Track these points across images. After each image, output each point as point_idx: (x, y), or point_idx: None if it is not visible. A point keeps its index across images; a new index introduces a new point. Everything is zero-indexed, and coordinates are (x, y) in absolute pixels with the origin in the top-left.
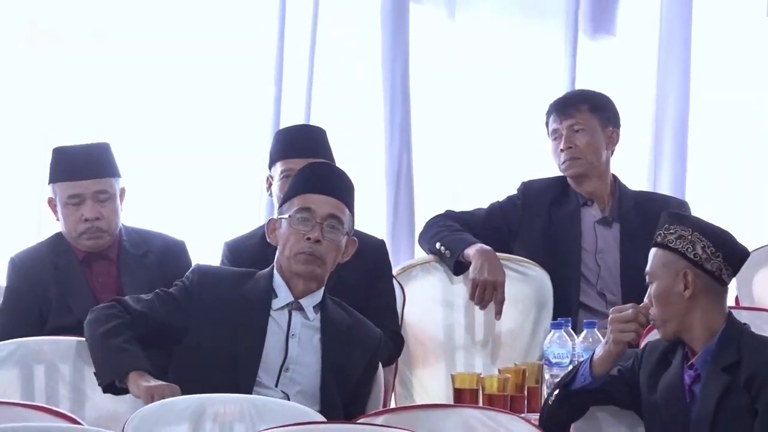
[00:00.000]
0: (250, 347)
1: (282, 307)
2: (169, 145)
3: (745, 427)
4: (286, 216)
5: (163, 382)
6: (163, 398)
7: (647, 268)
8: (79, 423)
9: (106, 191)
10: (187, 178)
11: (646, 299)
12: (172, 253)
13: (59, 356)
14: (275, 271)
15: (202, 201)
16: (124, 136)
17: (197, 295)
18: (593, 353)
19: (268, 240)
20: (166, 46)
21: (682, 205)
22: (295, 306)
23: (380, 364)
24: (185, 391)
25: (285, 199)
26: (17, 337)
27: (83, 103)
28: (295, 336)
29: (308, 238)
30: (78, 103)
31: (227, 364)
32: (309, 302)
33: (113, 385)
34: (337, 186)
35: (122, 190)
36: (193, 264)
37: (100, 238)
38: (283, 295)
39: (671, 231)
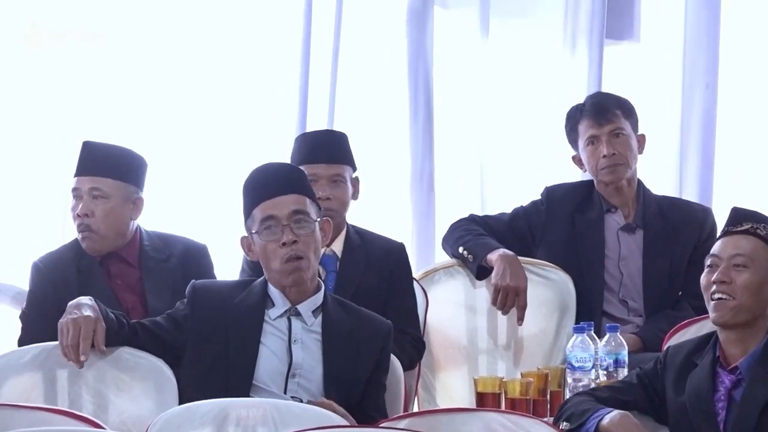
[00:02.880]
0: (243, 356)
1: (280, 315)
2: (166, 140)
3: None
4: (254, 232)
5: (80, 314)
6: (69, 332)
7: (742, 251)
8: (101, 427)
9: (100, 189)
10: (209, 182)
11: (721, 276)
12: (193, 257)
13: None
14: (268, 282)
15: (224, 205)
16: (129, 138)
17: (191, 313)
18: (604, 416)
19: (249, 258)
20: (165, 45)
21: (707, 211)
22: (293, 312)
23: (398, 361)
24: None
25: (246, 215)
26: (41, 341)
27: (83, 103)
28: (297, 342)
29: (283, 244)
30: (78, 103)
31: (221, 375)
32: (307, 307)
33: None
34: (287, 182)
35: (138, 200)
36: (214, 268)
37: (89, 239)
38: (280, 303)
39: None
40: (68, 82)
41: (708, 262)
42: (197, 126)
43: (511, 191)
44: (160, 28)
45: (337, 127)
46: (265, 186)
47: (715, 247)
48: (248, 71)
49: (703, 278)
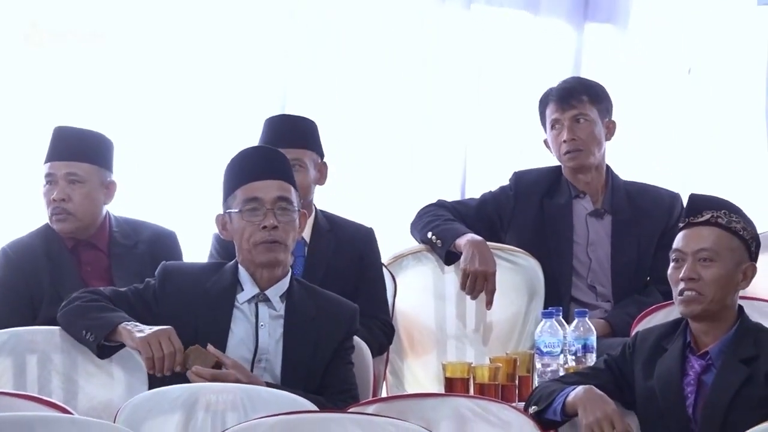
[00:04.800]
0: (213, 340)
1: (248, 300)
2: (163, 138)
3: (757, 416)
4: (236, 210)
5: (156, 327)
6: (160, 344)
7: (706, 244)
8: (70, 413)
9: (77, 174)
10: (180, 168)
11: (689, 273)
12: (162, 244)
13: (52, 346)
14: (239, 264)
15: (193, 192)
16: (120, 132)
17: (162, 295)
18: (569, 393)
19: (222, 236)
20: (164, 45)
21: (675, 197)
22: (261, 298)
23: (366, 346)
24: (154, 387)
25: (227, 193)
26: (9, 327)
27: (83, 102)
28: (264, 326)
29: (264, 227)
30: (78, 103)
31: None
32: (275, 292)
33: (106, 347)
34: (277, 167)
35: (110, 184)
36: (183, 254)
37: (65, 221)
38: (249, 288)
39: (734, 219)
40: (68, 82)
41: (673, 256)
42: (196, 125)
43: (487, 177)
44: (159, 28)
45: (313, 112)
46: (253, 167)
47: (679, 241)
48: (246, 71)
49: (670, 273)
